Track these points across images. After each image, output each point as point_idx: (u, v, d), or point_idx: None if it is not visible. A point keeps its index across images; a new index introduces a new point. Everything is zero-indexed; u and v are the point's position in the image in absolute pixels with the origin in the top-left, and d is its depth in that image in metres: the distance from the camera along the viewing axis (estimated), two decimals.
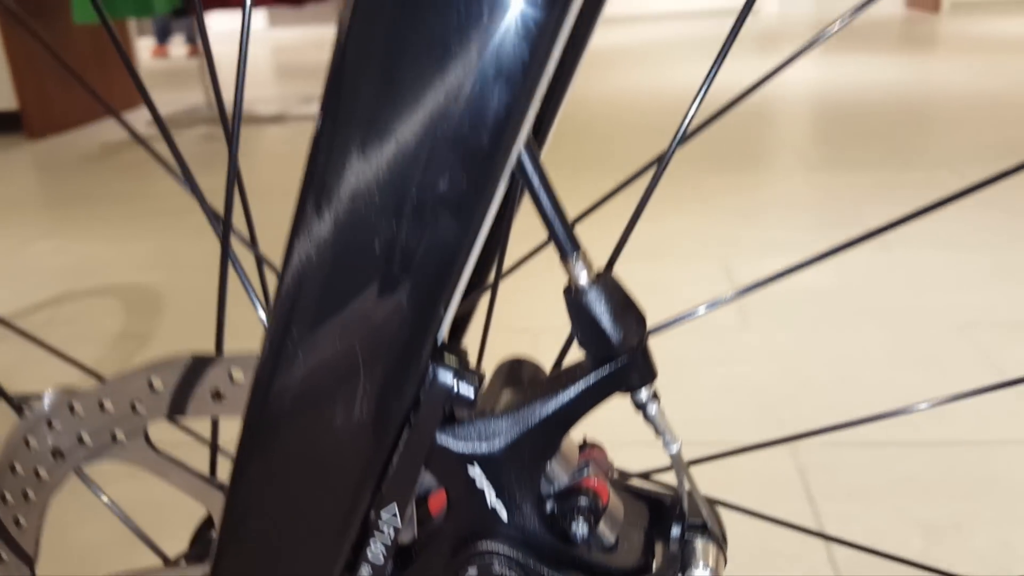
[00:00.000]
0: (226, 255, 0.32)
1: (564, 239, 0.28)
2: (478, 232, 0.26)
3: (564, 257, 0.28)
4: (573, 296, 0.28)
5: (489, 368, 0.35)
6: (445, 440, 0.29)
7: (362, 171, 0.26)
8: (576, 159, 2.30)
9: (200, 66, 3.48)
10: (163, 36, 6.05)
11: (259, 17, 7.70)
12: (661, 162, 0.31)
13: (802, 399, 1.03)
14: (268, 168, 2.54)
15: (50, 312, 1.48)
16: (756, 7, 6.99)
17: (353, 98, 0.25)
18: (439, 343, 0.28)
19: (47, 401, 0.35)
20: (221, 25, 7.03)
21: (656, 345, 0.29)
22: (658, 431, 0.30)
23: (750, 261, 1.50)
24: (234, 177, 0.32)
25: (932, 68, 3.60)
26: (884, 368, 1.10)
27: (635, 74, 3.86)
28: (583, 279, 0.28)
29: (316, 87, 4.13)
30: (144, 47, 6.24)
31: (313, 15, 6.21)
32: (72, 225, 2.02)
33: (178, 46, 6.30)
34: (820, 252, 0.31)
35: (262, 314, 0.38)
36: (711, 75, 0.30)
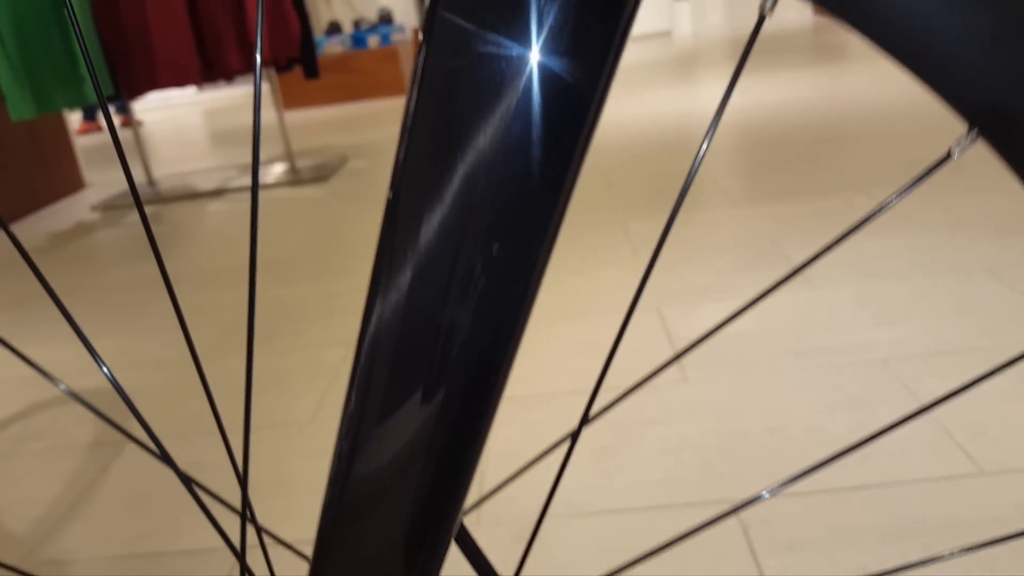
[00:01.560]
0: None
1: None
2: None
3: None
4: None
5: None
6: None
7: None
8: None
9: (135, 139, 3.50)
10: (91, 113, 6.04)
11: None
12: (576, 436, 0.37)
13: (739, 454, 1.12)
14: (215, 252, 2.58)
15: (20, 427, 1.53)
16: (669, 28, 7.17)
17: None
18: None
19: None
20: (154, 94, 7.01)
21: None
22: None
23: (682, 309, 1.59)
24: (246, 504, 0.38)
25: (844, 81, 3.76)
26: (812, 414, 1.19)
27: None
28: None
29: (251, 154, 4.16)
30: (76, 122, 6.22)
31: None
32: (30, 328, 2.05)
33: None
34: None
35: None
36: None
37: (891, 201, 0.28)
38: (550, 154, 0.25)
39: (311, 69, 3.23)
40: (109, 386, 1.64)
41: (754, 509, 1.01)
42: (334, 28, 6.16)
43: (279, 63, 3.17)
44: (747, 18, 7.17)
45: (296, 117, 5.42)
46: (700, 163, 0.31)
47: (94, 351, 0.34)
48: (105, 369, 0.34)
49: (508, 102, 0.24)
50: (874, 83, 3.58)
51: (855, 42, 5.06)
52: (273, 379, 1.55)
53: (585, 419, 0.34)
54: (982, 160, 2.31)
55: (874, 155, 2.51)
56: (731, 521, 0.99)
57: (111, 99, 3.06)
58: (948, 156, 0.25)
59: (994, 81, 0.22)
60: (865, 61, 4.24)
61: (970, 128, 0.23)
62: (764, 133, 3.02)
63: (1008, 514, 0.95)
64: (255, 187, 0.31)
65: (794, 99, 3.53)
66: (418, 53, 0.25)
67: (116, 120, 6.04)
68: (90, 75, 0.28)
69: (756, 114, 3.35)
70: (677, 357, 0.33)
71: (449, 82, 0.24)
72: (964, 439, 1.09)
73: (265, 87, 6.66)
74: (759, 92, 3.83)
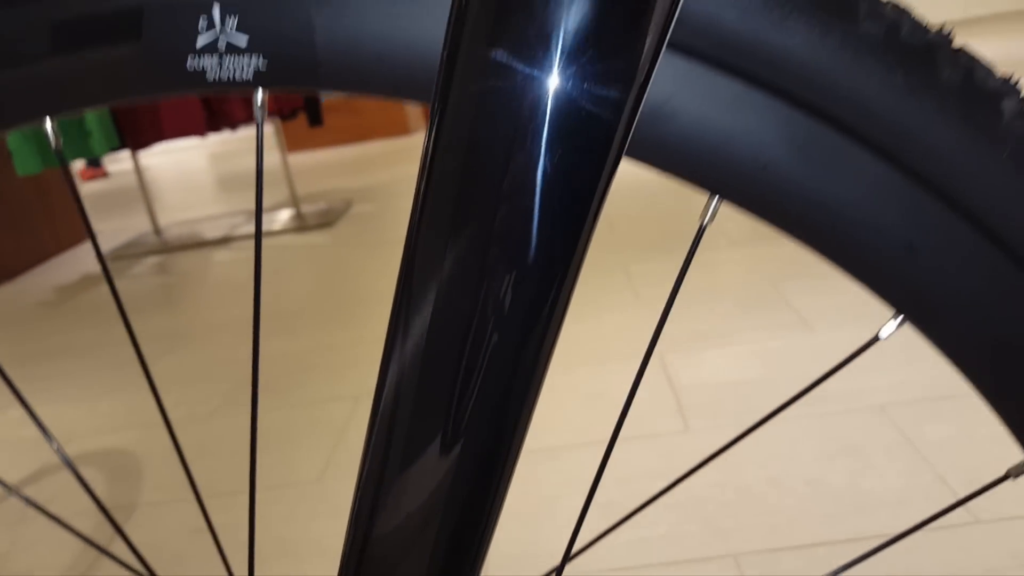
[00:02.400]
0: None
1: None
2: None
3: None
4: None
5: None
6: None
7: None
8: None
9: (141, 186, 3.54)
10: (95, 159, 6.12)
11: None
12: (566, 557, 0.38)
13: (740, 507, 1.14)
14: (223, 304, 2.61)
15: (31, 492, 1.55)
16: None
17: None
18: None
19: None
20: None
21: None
22: None
23: (683, 355, 1.61)
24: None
25: None
26: (811, 463, 1.21)
27: None
28: None
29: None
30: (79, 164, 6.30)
31: None
32: (37, 386, 2.08)
33: (112, 163, 6.37)
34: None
35: None
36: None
37: (821, 380, 0.30)
38: (572, 192, 0.24)
39: (315, 117, 3.28)
40: (113, 447, 1.67)
41: (757, 563, 1.02)
42: None
43: (283, 113, 3.22)
44: None
45: (300, 160, 5.47)
46: (703, 233, 0.31)
47: (47, 432, 0.35)
48: (56, 445, 0.35)
49: (530, 135, 0.23)
50: None
51: None
52: (279, 437, 1.57)
53: (568, 556, 0.35)
54: None
55: None
56: (733, 573, 1.01)
57: (116, 151, 3.11)
58: (876, 339, 0.28)
59: (913, 279, 0.25)
60: None
61: (896, 314, 0.26)
62: None
63: (1003, 564, 0.96)
64: (258, 276, 0.32)
65: None
66: (436, 83, 0.24)
67: (92, 172, 6.17)
68: (51, 144, 0.30)
69: None
70: (704, 463, 0.34)
71: (470, 112, 0.24)
72: (960, 486, 1.10)
73: (268, 129, 6.73)
74: None
